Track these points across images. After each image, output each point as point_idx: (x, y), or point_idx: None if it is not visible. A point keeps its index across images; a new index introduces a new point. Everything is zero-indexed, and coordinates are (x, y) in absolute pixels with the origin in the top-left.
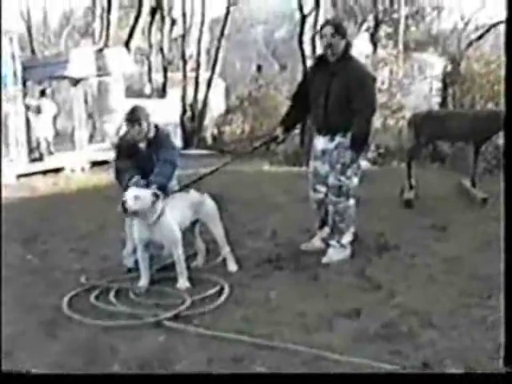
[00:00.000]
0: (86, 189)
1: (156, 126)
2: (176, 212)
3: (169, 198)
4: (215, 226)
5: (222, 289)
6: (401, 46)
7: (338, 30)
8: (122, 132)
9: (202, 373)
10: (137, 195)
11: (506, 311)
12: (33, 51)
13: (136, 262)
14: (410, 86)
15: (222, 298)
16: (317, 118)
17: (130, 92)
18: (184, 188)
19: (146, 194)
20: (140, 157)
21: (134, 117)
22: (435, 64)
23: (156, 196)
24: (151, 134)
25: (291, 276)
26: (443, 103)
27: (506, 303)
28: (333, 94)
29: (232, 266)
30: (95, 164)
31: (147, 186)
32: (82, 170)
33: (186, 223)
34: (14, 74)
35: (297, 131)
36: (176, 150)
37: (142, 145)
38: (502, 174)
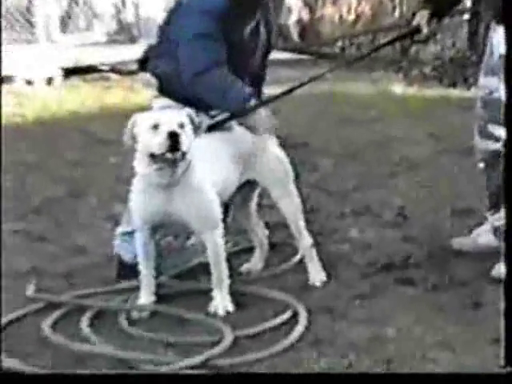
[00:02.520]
0: (56, 119)
1: None
2: (212, 167)
3: (197, 141)
4: (285, 196)
5: (294, 317)
6: None
7: None
8: None
9: (203, 373)
10: (181, 122)
11: (506, 311)
12: None
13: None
14: None
15: (294, 333)
16: None
17: None
18: (228, 121)
19: (187, 120)
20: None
21: None
22: None
23: (196, 126)
24: None
25: (429, 298)
26: None
27: (506, 303)
28: None
29: (316, 275)
30: (74, 72)
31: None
32: (49, 82)
33: (228, 189)
34: None
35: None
36: None
37: None
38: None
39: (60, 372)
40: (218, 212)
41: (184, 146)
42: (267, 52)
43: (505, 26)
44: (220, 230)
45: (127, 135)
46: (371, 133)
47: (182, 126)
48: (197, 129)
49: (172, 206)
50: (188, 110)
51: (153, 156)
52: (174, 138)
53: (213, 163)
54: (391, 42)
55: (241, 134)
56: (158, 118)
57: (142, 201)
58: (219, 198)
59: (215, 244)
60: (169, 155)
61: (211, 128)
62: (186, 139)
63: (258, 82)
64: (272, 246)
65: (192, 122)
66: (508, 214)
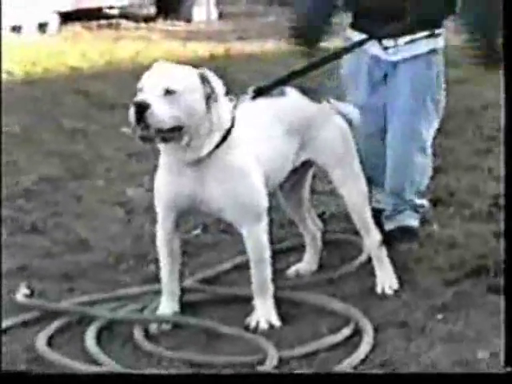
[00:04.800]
0: (50, 76)
1: None
2: (259, 141)
3: (242, 107)
4: (350, 179)
5: (357, 333)
6: None
7: None
8: None
9: (202, 373)
10: (170, 87)
11: (506, 311)
12: None
13: None
14: None
15: (356, 354)
16: None
17: None
18: (279, 85)
19: (197, 82)
20: None
21: None
22: None
23: (210, 91)
24: None
25: None
26: None
27: (506, 303)
28: None
29: (385, 280)
30: (74, 17)
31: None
32: (42, 28)
33: (280, 171)
34: None
35: None
36: None
37: None
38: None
39: (60, 372)
40: (263, 199)
41: (155, 121)
42: None
43: (505, 26)
44: (264, 223)
45: None
46: (456, 96)
47: (171, 92)
48: (210, 94)
49: (203, 188)
50: (204, 70)
51: None
52: (141, 110)
53: (261, 136)
54: None
55: (297, 100)
56: (144, 79)
57: (166, 181)
58: (268, 182)
59: (257, 240)
60: (138, 131)
61: (261, 91)
62: (170, 110)
63: None
64: (328, 242)
65: (207, 83)
66: (508, 214)
